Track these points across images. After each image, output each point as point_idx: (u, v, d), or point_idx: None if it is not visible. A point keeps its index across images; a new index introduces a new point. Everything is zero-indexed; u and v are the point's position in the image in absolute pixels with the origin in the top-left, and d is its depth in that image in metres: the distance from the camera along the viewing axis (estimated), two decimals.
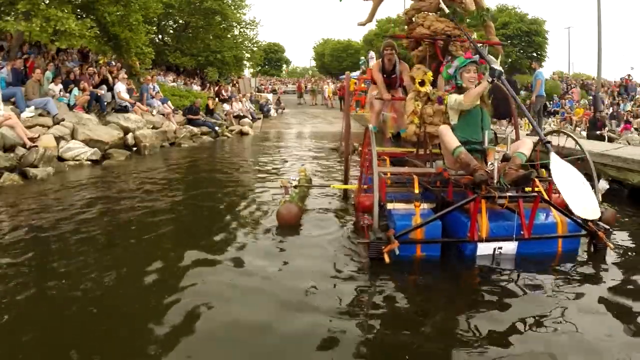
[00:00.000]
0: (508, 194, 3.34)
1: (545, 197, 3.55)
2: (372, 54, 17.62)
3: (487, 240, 3.43)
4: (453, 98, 3.94)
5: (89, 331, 2.51)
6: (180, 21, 22.06)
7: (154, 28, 20.87)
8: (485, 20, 5.15)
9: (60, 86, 9.81)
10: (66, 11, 9.50)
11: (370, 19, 5.96)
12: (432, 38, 4.97)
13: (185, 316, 2.60)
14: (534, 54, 31.13)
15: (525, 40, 31.11)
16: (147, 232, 4.31)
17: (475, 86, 3.84)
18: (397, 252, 3.24)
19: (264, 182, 6.63)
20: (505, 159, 3.51)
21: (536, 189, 3.57)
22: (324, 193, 5.70)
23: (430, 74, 4.77)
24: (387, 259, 3.19)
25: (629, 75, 20.71)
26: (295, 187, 4.89)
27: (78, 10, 11.47)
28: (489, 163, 3.47)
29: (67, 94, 9.84)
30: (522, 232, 3.43)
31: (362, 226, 3.62)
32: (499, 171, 3.42)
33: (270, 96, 27.46)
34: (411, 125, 4.76)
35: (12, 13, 10.37)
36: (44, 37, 10.10)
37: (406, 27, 5.52)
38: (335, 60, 46.69)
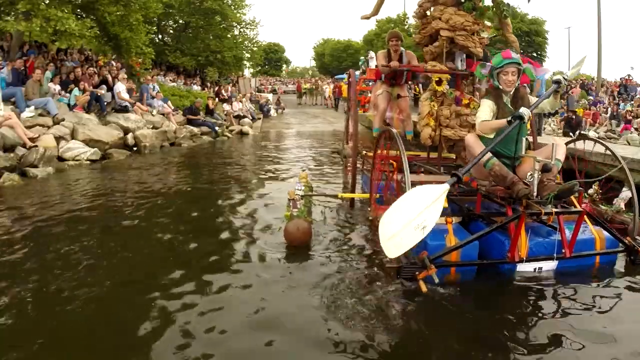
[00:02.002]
0: (554, 209, 3.02)
1: (582, 210, 3.24)
2: (372, 53, 17.55)
3: (527, 260, 3.13)
4: (482, 110, 3.47)
5: (88, 331, 2.52)
6: (180, 21, 22.04)
7: (154, 28, 20.87)
8: (507, 16, 4.82)
9: (59, 86, 9.81)
10: (66, 11, 9.50)
11: (375, 12, 5.61)
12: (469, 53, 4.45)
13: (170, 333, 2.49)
14: (534, 54, 31.16)
15: (525, 40, 31.09)
16: (147, 234, 4.31)
17: (507, 97, 3.44)
18: (437, 280, 2.81)
19: (266, 187, 6.51)
20: (546, 169, 3.10)
21: (571, 202, 3.31)
22: (329, 202, 5.29)
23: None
24: (423, 288, 2.76)
25: (629, 75, 20.67)
26: (301, 197, 4.44)
27: (78, 10, 11.47)
28: (528, 174, 3.12)
29: (67, 94, 9.85)
30: (563, 251, 3.15)
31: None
32: (540, 183, 3.08)
33: (270, 96, 27.42)
34: (426, 128, 4.39)
35: (12, 13, 10.38)
36: (44, 37, 10.08)
37: (418, 20, 5.10)
38: (335, 60, 46.67)
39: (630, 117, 13.19)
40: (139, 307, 2.81)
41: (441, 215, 3.29)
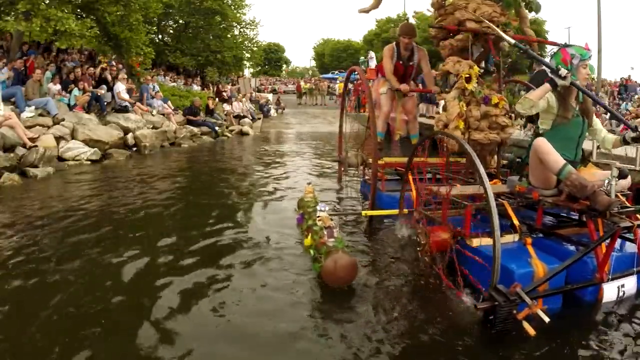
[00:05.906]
0: None
1: None
2: (372, 53, 17.56)
3: (612, 278, 2.75)
4: (534, 92, 3.20)
5: (87, 332, 2.51)
6: (180, 21, 22.06)
7: (154, 28, 20.89)
8: (532, 9, 4.57)
9: (59, 86, 9.81)
10: (66, 11, 9.51)
11: (375, 6, 5.18)
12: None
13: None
14: None
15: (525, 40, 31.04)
16: (147, 235, 4.30)
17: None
18: (547, 319, 2.27)
19: (268, 190, 6.39)
20: (624, 175, 2.86)
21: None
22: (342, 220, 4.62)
23: (476, 68, 3.96)
24: (531, 331, 2.26)
25: (629, 76, 20.67)
26: (331, 218, 3.55)
27: (78, 10, 11.47)
28: (606, 181, 2.84)
29: (67, 94, 9.85)
30: None
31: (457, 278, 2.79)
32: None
33: (270, 96, 27.43)
34: (456, 131, 3.86)
35: (12, 13, 10.37)
36: (44, 37, 10.06)
37: (435, 12, 4.61)
38: (335, 60, 46.79)
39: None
40: (138, 308, 2.80)
41: (506, 232, 3.01)
